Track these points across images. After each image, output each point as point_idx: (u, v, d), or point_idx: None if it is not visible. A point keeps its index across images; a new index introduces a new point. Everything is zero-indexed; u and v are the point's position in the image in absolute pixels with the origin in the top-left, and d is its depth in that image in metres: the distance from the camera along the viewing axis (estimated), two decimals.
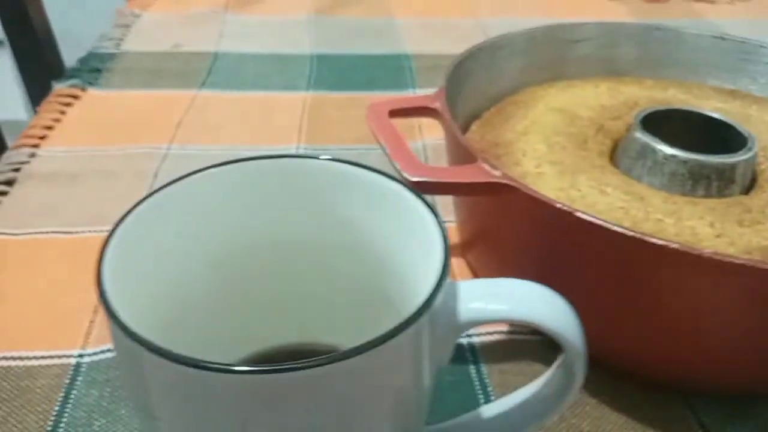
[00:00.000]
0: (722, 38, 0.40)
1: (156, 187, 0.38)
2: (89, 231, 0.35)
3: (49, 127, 0.44)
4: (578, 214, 0.22)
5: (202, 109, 0.48)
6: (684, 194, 0.29)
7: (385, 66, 0.56)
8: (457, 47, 0.61)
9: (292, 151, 0.43)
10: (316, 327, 0.23)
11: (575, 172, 0.30)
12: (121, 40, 0.58)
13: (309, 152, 0.43)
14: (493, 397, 0.26)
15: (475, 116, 0.38)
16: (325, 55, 0.58)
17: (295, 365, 0.13)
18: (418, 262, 0.19)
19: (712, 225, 0.26)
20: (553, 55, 0.41)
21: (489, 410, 0.19)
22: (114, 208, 0.36)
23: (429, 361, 0.16)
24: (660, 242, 0.21)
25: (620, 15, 0.70)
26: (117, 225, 0.18)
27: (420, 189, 0.23)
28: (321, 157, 0.20)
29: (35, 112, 0.49)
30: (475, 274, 0.33)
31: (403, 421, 0.17)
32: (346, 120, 0.47)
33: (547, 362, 0.28)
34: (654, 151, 0.30)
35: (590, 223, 0.22)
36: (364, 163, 0.20)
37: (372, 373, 0.14)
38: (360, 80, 0.53)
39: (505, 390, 0.26)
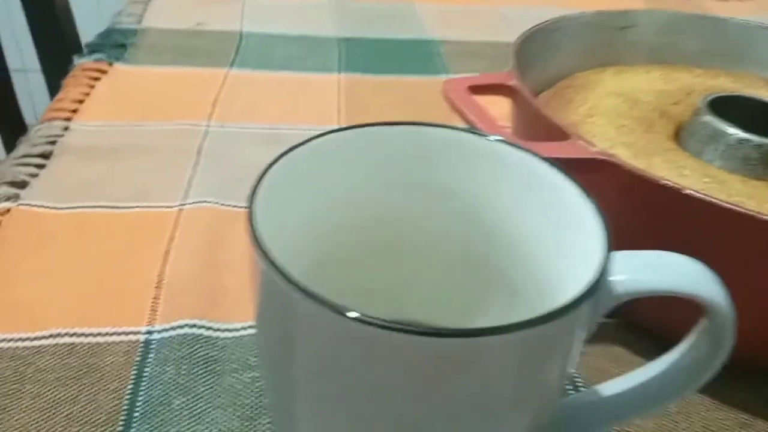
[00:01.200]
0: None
1: (200, 163, 0.37)
2: (137, 207, 0.33)
3: (80, 101, 0.42)
4: (687, 191, 0.22)
5: (235, 88, 0.46)
6: (757, 178, 0.29)
7: (414, 51, 0.55)
8: (481, 35, 0.61)
9: None
10: (411, 300, 0.22)
11: (649, 154, 0.30)
12: (141, 16, 0.57)
13: None
14: (580, 380, 0.25)
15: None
16: (352, 38, 0.57)
17: (496, 328, 0.13)
18: (547, 236, 0.19)
19: None
20: (602, 41, 0.41)
21: (624, 383, 0.18)
22: (160, 184, 0.35)
23: (583, 334, 0.16)
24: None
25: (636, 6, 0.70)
26: (259, 179, 0.17)
27: None
28: (447, 127, 0.19)
29: (55, 86, 0.47)
30: None
31: (554, 393, 0.16)
32: (383, 103, 0.46)
33: (624, 344, 0.28)
34: (726, 135, 0.30)
35: (700, 200, 0.22)
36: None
37: (549, 342, 0.14)
38: (391, 64, 0.52)
39: (592, 372, 0.26)
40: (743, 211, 0.21)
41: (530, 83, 0.37)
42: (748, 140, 0.29)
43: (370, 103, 0.46)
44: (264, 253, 0.14)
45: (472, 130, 0.20)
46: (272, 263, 0.14)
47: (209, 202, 0.34)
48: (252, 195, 0.16)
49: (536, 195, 0.19)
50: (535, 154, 0.19)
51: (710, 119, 0.30)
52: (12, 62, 0.63)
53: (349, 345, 0.14)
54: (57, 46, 0.54)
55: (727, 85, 0.38)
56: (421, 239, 0.21)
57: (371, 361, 0.14)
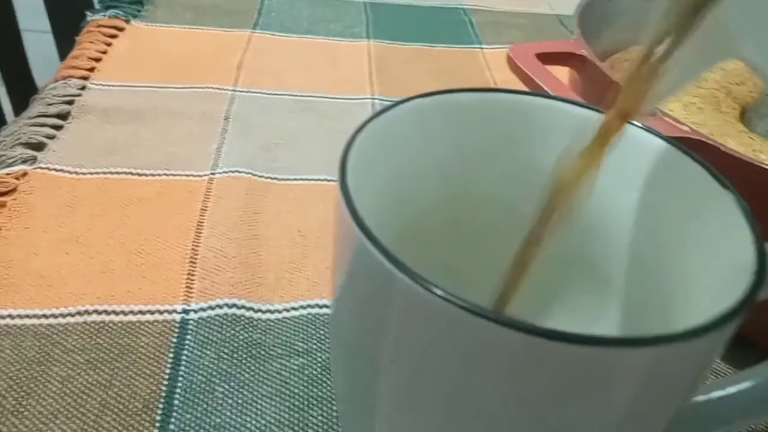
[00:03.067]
0: None
1: (229, 130, 0.35)
2: (165, 174, 0.31)
3: (96, 59, 0.40)
4: None
5: (260, 52, 0.44)
6: None
7: (444, 19, 0.53)
8: (511, 4, 0.58)
9: (367, 100, 0.40)
10: (483, 278, 0.20)
11: (723, 135, 0.28)
12: None
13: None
14: None
15: None
16: (379, 3, 0.54)
17: (657, 338, 0.11)
18: (658, 223, 0.17)
19: None
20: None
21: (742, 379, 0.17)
22: (188, 150, 0.33)
23: None
24: None
25: None
26: (347, 148, 0.15)
27: None
28: (548, 97, 0.17)
29: (66, 47, 0.44)
30: None
31: (680, 407, 0.14)
32: (416, 73, 0.44)
33: None
34: None
35: None
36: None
37: (703, 352, 0.12)
38: (421, 33, 0.50)
39: None
40: None
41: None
42: None
43: (402, 73, 0.44)
44: (367, 234, 0.12)
45: (569, 99, 0.17)
46: (377, 244, 0.12)
47: (241, 171, 0.31)
48: (342, 165, 0.14)
49: (646, 176, 0.17)
50: (650, 130, 0.17)
51: None
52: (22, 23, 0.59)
53: (468, 344, 0.12)
54: (67, 2, 0.51)
55: None
56: (502, 215, 0.19)
57: (489, 363, 0.12)
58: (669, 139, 0.16)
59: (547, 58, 0.26)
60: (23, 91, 0.56)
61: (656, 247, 0.17)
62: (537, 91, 0.18)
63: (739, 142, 0.27)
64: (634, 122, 0.17)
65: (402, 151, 0.17)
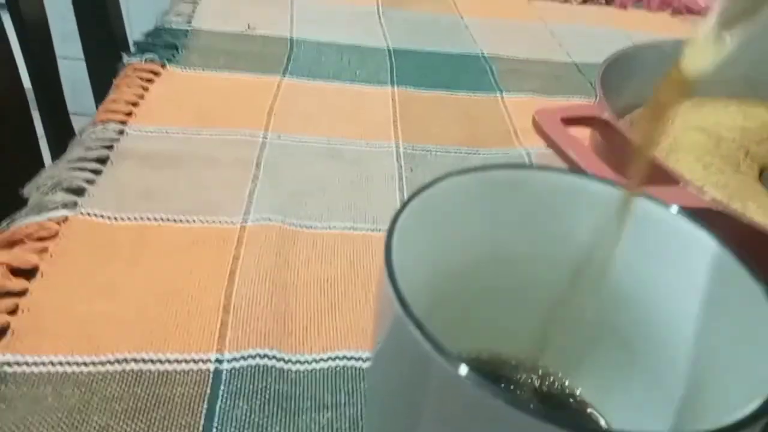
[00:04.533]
0: None
1: (260, 177, 0.36)
2: (200, 221, 0.32)
3: (134, 104, 0.41)
4: None
5: (290, 97, 0.45)
6: None
7: (466, 66, 0.54)
8: (530, 52, 0.60)
9: (392, 147, 0.41)
10: (502, 337, 0.21)
11: (744, 197, 0.28)
12: (191, 16, 0.55)
13: (474, 155, 0.41)
14: None
15: None
16: (403, 50, 0.55)
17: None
18: (677, 296, 0.17)
19: None
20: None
21: None
22: (222, 196, 0.34)
23: None
24: None
25: (683, 33, 0.69)
26: (393, 223, 0.16)
27: None
28: (559, 171, 0.18)
29: (101, 84, 0.46)
30: None
31: None
32: (439, 119, 0.45)
33: None
34: None
35: None
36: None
37: None
38: (443, 79, 0.51)
39: None
40: None
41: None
42: None
43: (425, 119, 0.45)
44: (412, 319, 0.13)
45: (591, 176, 0.18)
46: (423, 332, 0.13)
47: (273, 219, 0.32)
48: (387, 246, 0.15)
49: (663, 252, 0.17)
50: (668, 206, 0.17)
51: None
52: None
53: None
54: (104, 39, 0.53)
55: None
56: (528, 281, 0.20)
57: None
58: (685, 212, 0.17)
59: (572, 121, 0.27)
60: (55, 115, 0.58)
61: (671, 317, 0.17)
62: (564, 169, 0.19)
63: (759, 204, 0.28)
64: (675, 211, 0.17)
65: (440, 228, 0.18)
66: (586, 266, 0.18)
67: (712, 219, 0.22)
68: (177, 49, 0.49)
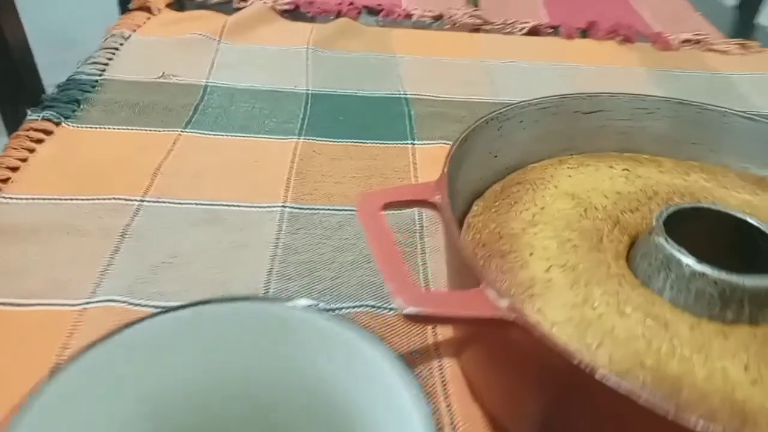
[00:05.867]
0: (752, 119, 0.37)
1: (122, 249, 0.35)
2: (40, 304, 0.31)
3: (14, 169, 0.40)
4: (601, 375, 0.19)
5: (183, 154, 0.44)
6: (711, 318, 0.26)
7: (383, 111, 0.53)
8: (460, 90, 0.58)
9: (277, 209, 0.40)
10: None
11: (589, 282, 0.27)
12: (107, 65, 0.55)
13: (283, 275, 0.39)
14: None
15: (477, 193, 0.34)
16: (321, 94, 0.54)
17: None
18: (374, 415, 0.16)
19: (746, 368, 0.23)
20: (564, 126, 0.37)
21: None
22: (72, 275, 0.33)
23: None
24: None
25: (631, 62, 0.67)
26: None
27: (414, 321, 0.19)
28: (286, 303, 0.17)
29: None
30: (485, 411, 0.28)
31: None
32: (338, 172, 0.44)
33: None
34: (680, 264, 0.26)
35: (614, 392, 0.19)
36: (343, 317, 0.17)
37: None
38: (356, 125, 0.50)
39: None
40: (662, 413, 0.18)
41: (475, 175, 0.34)
42: (703, 274, 0.26)
43: (323, 175, 0.43)
44: None
45: (322, 311, 0.17)
46: None
47: (117, 300, 0.31)
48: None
49: (354, 369, 0.16)
50: (354, 328, 0.16)
51: (663, 243, 0.27)
52: None
53: None
54: (15, 94, 0.53)
55: (699, 183, 0.35)
56: (256, 421, 0.18)
57: None
58: (372, 337, 0.16)
59: (398, 205, 0.26)
60: None
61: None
62: (309, 306, 0.17)
63: (605, 290, 0.26)
64: (341, 319, 0.16)
65: (151, 367, 0.16)
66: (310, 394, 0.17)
67: (512, 327, 0.21)
68: (79, 104, 0.48)
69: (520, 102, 0.36)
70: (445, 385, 0.28)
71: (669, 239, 0.27)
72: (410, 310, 0.20)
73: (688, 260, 0.26)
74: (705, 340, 0.24)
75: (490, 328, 0.21)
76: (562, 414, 0.22)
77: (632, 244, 0.30)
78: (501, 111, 0.35)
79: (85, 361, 0.16)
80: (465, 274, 0.23)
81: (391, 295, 0.21)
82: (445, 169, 0.28)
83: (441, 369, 0.29)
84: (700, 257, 0.26)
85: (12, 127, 0.61)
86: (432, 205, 0.26)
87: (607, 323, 0.25)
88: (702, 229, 0.29)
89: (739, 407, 0.22)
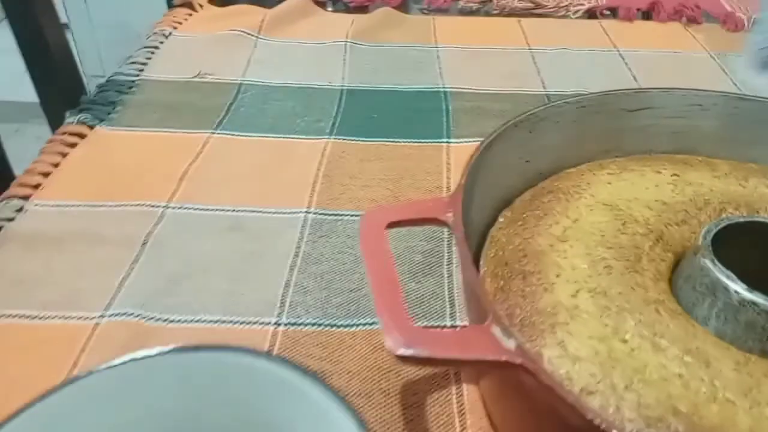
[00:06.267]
0: None
1: (141, 259, 0.34)
2: (57, 317, 0.31)
3: (47, 174, 0.41)
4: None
5: (212, 157, 0.43)
6: (763, 354, 0.22)
7: (420, 106, 0.50)
8: (504, 82, 0.55)
9: (301, 214, 0.38)
10: None
11: (621, 310, 0.24)
12: (145, 64, 0.55)
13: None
14: None
15: (506, 202, 0.32)
16: (358, 89, 0.52)
17: None
18: None
19: None
20: (606, 126, 0.34)
21: None
22: (91, 284, 0.32)
23: None
24: None
25: (694, 45, 0.61)
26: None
27: (408, 364, 0.17)
28: (230, 351, 0.15)
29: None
30: None
31: None
32: (367, 174, 0.42)
33: None
34: (727, 290, 0.23)
35: None
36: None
37: None
38: (389, 123, 0.48)
39: None
40: None
41: (505, 181, 0.31)
42: (754, 303, 0.23)
43: (351, 177, 0.42)
44: None
45: (272, 356, 0.15)
46: None
47: (131, 314, 0.31)
48: None
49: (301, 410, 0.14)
50: (305, 373, 0.14)
51: (709, 266, 0.24)
52: None
53: None
54: (57, 93, 0.54)
55: (759, 190, 0.31)
56: None
57: None
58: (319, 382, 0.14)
59: (405, 223, 0.24)
60: None
61: None
62: (258, 352, 0.16)
63: (639, 320, 0.23)
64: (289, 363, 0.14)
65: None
66: None
67: (518, 370, 0.19)
68: (114, 106, 0.48)
69: (556, 101, 0.33)
70: (462, 414, 0.26)
71: (716, 261, 0.24)
72: (403, 351, 0.18)
73: (737, 287, 0.23)
74: (753, 381, 0.21)
75: (493, 369, 0.19)
76: None
77: (677, 264, 0.27)
78: (533, 111, 0.32)
79: (41, 406, 0.15)
80: (473, 304, 0.21)
81: (383, 329, 0.19)
82: (462, 181, 0.26)
83: (459, 396, 0.27)
84: (753, 283, 0.23)
85: (55, 129, 0.62)
86: (443, 224, 0.24)
87: (638, 360, 0.22)
88: (758, 248, 0.26)
89: None
